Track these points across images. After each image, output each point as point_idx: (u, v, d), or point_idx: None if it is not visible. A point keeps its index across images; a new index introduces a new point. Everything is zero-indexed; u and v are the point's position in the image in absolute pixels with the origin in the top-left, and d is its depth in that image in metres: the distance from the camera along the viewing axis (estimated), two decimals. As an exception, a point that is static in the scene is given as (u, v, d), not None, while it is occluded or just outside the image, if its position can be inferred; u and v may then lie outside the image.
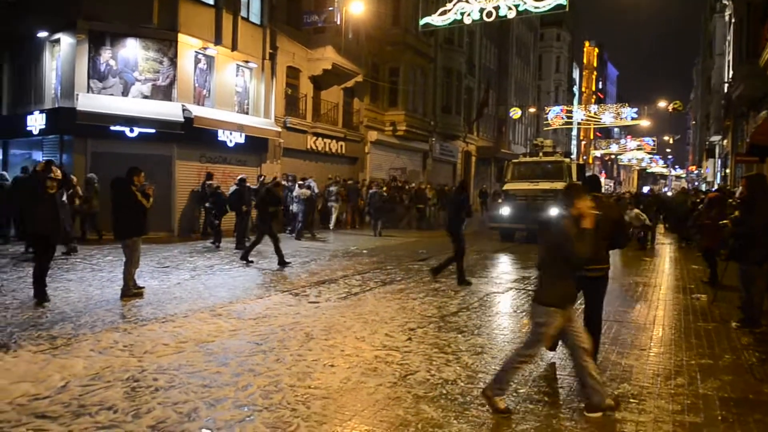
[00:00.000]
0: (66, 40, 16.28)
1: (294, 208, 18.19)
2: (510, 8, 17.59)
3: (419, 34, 27.14)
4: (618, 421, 4.42)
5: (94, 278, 9.99)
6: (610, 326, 7.48)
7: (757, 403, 4.84)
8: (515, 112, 40.95)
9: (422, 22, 20.12)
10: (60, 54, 16.65)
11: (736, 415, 4.57)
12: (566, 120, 43.22)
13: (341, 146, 24.94)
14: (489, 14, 17.99)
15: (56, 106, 16.54)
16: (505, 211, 17.24)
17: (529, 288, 9.97)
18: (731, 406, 4.75)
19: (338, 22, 20.99)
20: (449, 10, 18.89)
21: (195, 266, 11.75)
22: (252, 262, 12.38)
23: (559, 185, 16.25)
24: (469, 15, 18.46)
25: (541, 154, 19.36)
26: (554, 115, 42.33)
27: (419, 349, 6.20)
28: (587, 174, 20.14)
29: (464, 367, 5.60)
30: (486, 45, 42.15)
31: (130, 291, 8.64)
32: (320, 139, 23.52)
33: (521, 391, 4.99)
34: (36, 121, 16.56)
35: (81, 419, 4.15)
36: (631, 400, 4.81)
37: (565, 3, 17.45)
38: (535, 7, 17.44)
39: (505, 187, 18.22)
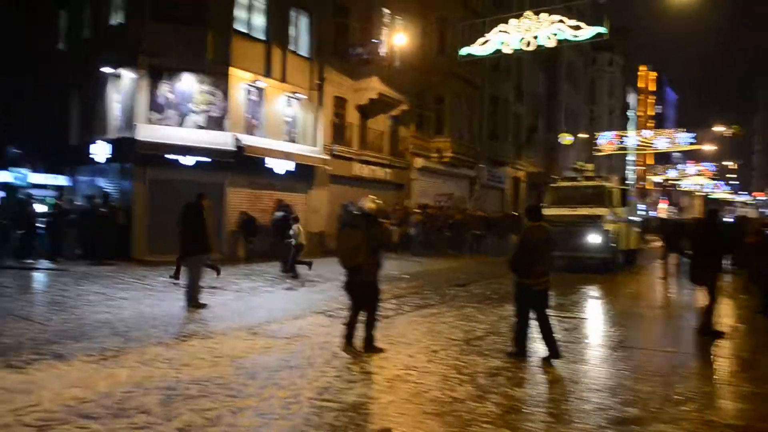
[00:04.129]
0: (128, 74, 17.56)
1: (411, 231, 21.49)
2: (549, 38, 17.82)
3: (465, 62, 27.64)
4: (615, 441, 4.60)
5: (146, 297, 10.72)
6: (635, 353, 7.57)
7: None
8: (565, 138, 40.69)
9: (463, 52, 20.55)
10: (122, 87, 17.93)
11: (736, 441, 4.68)
12: (619, 145, 42.55)
13: (387, 173, 25.49)
14: (528, 44, 18.28)
15: (118, 136, 17.75)
16: None
17: (562, 315, 10.06)
18: (734, 432, 4.85)
19: (383, 54, 21.69)
20: (489, 40, 19.26)
21: (240, 288, 12.37)
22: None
23: (600, 211, 16.04)
24: (508, 45, 18.79)
25: (581, 178, 19.04)
26: (606, 140, 41.79)
27: (437, 369, 6.49)
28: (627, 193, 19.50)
29: (476, 387, 5.86)
30: (534, 71, 42.20)
31: (198, 302, 9.80)
32: (366, 166, 24.14)
33: (534, 412, 5.22)
34: (99, 150, 17.78)
35: (119, 420, 4.68)
36: (634, 424, 4.97)
37: (605, 31, 17.52)
38: (575, 36, 17.58)
39: (543, 212, 18.05)
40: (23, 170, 19.11)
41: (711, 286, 8.38)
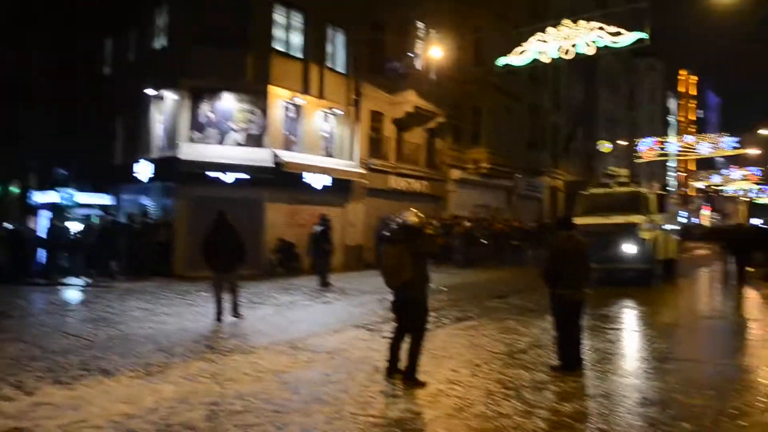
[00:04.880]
0: (170, 96, 18.04)
1: (455, 242, 21.81)
2: (588, 45, 17.53)
3: (502, 72, 27.39)
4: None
5: (188, 312, 10.88)
6: (684, 366, 7.32)
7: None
8: (603, 145, 39.93)
9: (501, 62, 20.37)
10: (165, 109, 18.42)
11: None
12: (660, 152, 41.54)
13: (424, 185, 25.42)
14: (567, 52, 18.01)
15: (161, 155, 18.21)
16: None
17: (604, 327, 9.81)
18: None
19: (419, 67, 21.73)
20: (527, 50, 19.05)
21: (279, 302, 12.45)
22: None
23: (636, 218, 15.34)
24: (546, 54, 18.55)
25: (614, 184, 17.94)
26: (646, 147, 40.86)
27: (481, 384, 6.38)
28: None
29: (522, 402, 5.72)
30: (572, 78, 41.65)
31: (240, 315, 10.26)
32: (403, 179, 24.14)
33: (584, 428, 5.07)
34: (143, 170, 18.27)
35: (165, 436, 4.73)
36: (689, 440, 4.78)
37: (646, 37, 17.14)
38: (614, 42, 17.22)
39: (574, 221, 17.29)
40: (70, 191, 19.75)
41: None
